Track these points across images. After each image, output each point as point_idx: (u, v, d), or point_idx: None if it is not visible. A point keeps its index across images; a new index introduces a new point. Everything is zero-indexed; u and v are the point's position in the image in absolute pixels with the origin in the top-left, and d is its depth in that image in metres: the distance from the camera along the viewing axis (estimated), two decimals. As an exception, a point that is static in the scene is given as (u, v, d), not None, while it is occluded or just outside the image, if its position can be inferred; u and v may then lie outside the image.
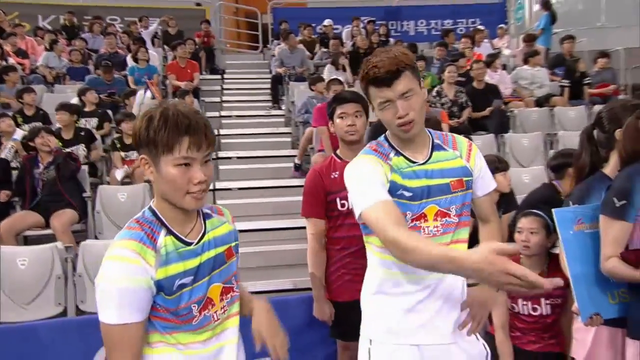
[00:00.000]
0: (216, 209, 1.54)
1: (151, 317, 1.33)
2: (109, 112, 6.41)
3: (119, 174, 4.99)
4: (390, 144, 1.71)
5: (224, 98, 8.69)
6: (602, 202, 1.79)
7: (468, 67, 7.12)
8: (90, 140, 5.48)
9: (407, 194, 1.63)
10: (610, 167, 2.07)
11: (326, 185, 2.55)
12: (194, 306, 1.36)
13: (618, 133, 2.01)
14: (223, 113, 8.01)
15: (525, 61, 7.58)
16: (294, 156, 6.27)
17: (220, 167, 6.23)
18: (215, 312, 1.42)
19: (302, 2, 13.29)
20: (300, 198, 5.42)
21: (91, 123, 6.16)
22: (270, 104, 8.46)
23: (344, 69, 7.93)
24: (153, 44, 9.56)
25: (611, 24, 11.73)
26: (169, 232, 1.35)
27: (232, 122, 7.84)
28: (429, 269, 1.46)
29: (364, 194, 1.57)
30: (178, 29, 10.10)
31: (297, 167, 6.03)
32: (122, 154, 5.41)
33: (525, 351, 2.55)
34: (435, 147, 1.71)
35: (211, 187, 5.81)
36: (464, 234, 1.72)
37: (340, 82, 5.52)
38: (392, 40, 9.82)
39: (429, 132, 1.74)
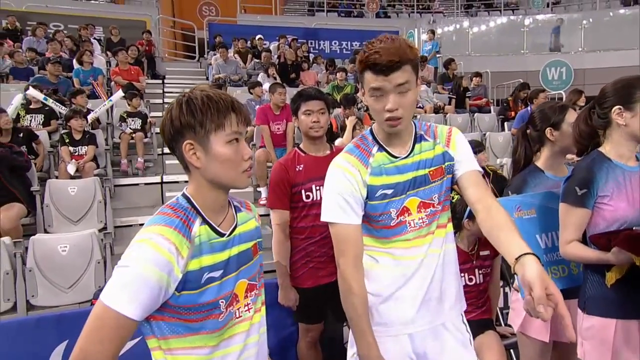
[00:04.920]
0: (244, 204, 1.26)
1: (173, 319, 1.03)
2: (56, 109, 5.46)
3: (71, 167, 4.18)
4: (374, 138, 1.41)
5: (166, 100, 7.93)
6: (564, 191, 1.61)
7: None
8: (30, 139, 4.56)
9: (388, 192, 1.35)
10: (542, 160, 1.95)
11: (291, 177, 2.20)
12: (221, 302, 1.08)
13: (548, 131, 1.89)
14: (166, 114, 7.27)
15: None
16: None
17: (167, 162, 5.57)
18: (239, 308, 1.13)
19: (232, 19, 12.66)
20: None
21: (37, 119, 5.20)
22: (209, 106, 7.82)
23: (275, 77, 7.56)
24: (94, 49, 8.50)
25: (476, 53, 12.47)
26: (204, 221, 1.08)
27: (175, 121, 7.12)
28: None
29: (339, 207, 1.34)
30: (120, 38, 9.09)
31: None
32: (71, 148, 4.59)
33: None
34: (417, 139, 1.41)
35: (158, 180, 5.24)
36: (445, 218, 1.44)
37: (282, 86, 5.12)
38: (312, 55, 9.57)
39: (415, 123, 1.44)
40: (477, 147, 3.60)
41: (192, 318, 1.04)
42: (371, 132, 1.44)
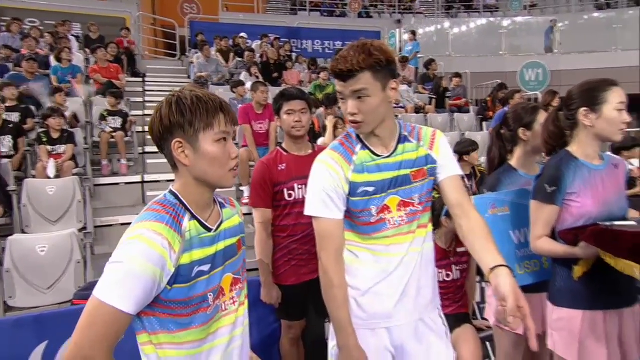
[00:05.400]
0: (228, 200, 1.29)
1: (164, 315, 1.06)
2: (32, 107, 5.35)
3: (51, 169, 4.09)
4: (358, 137, 1.45)
5: (147, 99, 7.81)
6: (534, 188, 1.68)
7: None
8: (18, 134, 4.50)
9: (370, 189, 1.39)
10: (515, 159, 2.02)
11: (273, 176, 2.22)
12: (210, 295, 1.11)
13: (521, 131, 1.96)
14: (146, 112, 7.17)
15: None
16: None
17: (148, 161, 5.51)
18: (224, 302, 1.16)
19: (214, 18, 12.56)
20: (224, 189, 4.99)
21: (12, 117, 5.07)
22: (190, 105, 7.76)
23: (257, 76, 7.55)
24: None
25: (456, 54, 12.66)
26: (193, 216, 1.11)
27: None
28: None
29: (322, 202, 1.39)
30: (99, 35, 8.92)
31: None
32: (49, 147, 4.51)
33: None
34: (401, 140, 1.45)
35: (139, 179, 5.18)
36: (426, 218, 1.50)
37: (264, 84, 5.14)
38: (294, 55, 9.57)
39: (399, 124, 1.48)
40: (472, 145, 3.63)
41: (183, 313, 1.07)
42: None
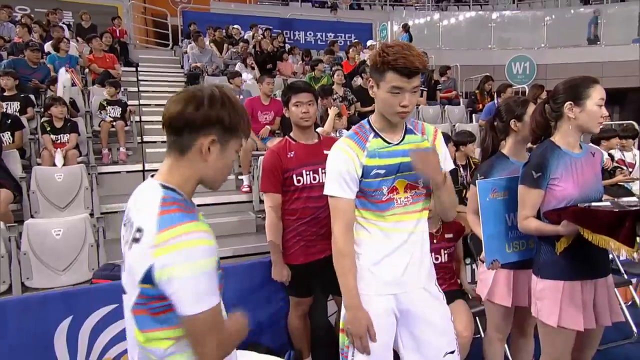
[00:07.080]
0: None
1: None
2: (32, 96, 5.39)
3: (58, 158, 4.19)
4: (371, 127, 1.66)
5: (141, 88, 7.84)
6: (522, 174, 1.87)
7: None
8: (16, 127, 4.57)
9: (381, 172, 1.61)
10: (507, 148, 2.22)
11: (283, 163, 2.39)
12: None
13: (512, 122, 2.16)
14: (142, 102, 7.23)
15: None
16: (213, 140, 5.88)
17: (147, 150, 5.61)
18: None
19: (205, 7, 12.55)
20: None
21: (13, 107, 5.13)
22: (186, 95, 7.83)
23: (252, 67, 7.66)
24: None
25: (446, 47, 12.88)
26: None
27: (152, 110, 7.11)
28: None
29: (337, 184, 1.60)
30: (91, 23, 8.90)
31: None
32: (52, 136, 4.59)
33: None
34: (407, 131, 1.67)
35: (139, 168, 5.28)
36: (428, 202, 1.72)
37: (270, 76, 5.33)
38: (287, 46, 9.66)
39: None
40: (470, 137, 3.79)
41: None
42: (368, 121, 1.69)
